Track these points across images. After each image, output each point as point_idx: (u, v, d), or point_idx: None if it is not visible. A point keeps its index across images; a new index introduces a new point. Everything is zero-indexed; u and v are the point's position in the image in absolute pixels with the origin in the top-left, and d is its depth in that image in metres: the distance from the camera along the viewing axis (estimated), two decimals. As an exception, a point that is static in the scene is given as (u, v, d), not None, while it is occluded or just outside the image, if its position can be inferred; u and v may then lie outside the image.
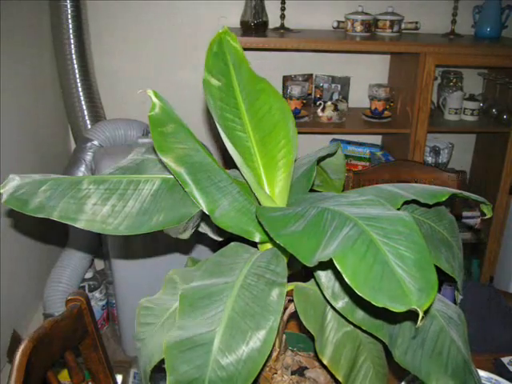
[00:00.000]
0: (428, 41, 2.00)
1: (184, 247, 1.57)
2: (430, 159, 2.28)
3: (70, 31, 1.90)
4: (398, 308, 0.51)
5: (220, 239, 0.86)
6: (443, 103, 2.17)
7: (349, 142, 2.29)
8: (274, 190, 0.80)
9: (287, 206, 0.79)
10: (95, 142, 1.83)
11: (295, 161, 0.80)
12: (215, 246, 0.86)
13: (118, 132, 1.85)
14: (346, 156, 2.25)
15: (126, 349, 1.91)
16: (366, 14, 2.02)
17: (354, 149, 2.28)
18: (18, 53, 1.71)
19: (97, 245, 1.97)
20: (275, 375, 0.82)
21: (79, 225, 0.68)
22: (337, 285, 0.68)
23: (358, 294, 0.52)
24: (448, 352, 0.67)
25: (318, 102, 2.12)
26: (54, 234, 1.98)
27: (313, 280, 0.74)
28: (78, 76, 1.94)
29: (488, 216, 0.80)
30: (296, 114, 2.05)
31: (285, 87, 2.15)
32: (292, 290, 0.75)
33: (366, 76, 2.24)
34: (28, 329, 1.76)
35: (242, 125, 0.77)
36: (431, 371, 0.66)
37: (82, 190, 0.71)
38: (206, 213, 0.71)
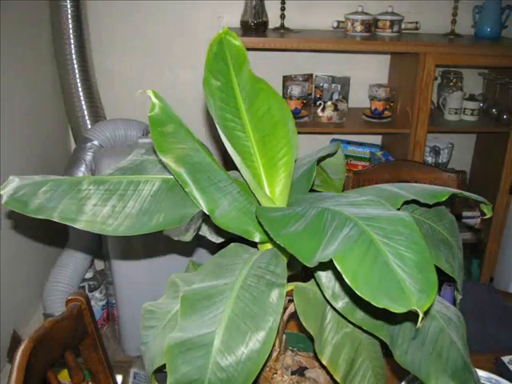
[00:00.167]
0: (428, 41, 2.00)
1: (184, 248, 1.57)
2: (429, 159, 2.28)
3: (70, 31, 1.90)
4: (398, 309, 0.51)
5: (219, 241, 0.86)
6: (443, 103, 2.17)
7: (349, 142, 2.29)
8: (274, 190, 0.80)
9: (287, 206, 0.79)
10: (95, 142, 1.83)
11: (295, 161, 0.80)
12: (214, 248, 0.86)
13: (118, 132, 1.85)
14: (346, 156, 2.25)
15: (126, 349, 1.91)
16: (366, 14, 2.02)
17: (354, 149, 2.28)
18: (18, 53, 1.71)
19: (97, 245, 1.97)
20: (275, 375, 0.82)
21: (79, 226, 0.68)
22: (337, 285, 0.68)
23: (358, 294, 0.52)
24: (448, 352, 0.67)
25: (318, 102, 2.12)
26: (54, 234, 1.98)
27: (313, 280, 0.74)
28: (77, 76, 1.94)
29: (488, 216, 0.80)
30: (296, 114, 2.05)
31: (285, 87, 2.15)
32: (292, 290, 0.75)
33: (366, 76, 2.24)
34: (28, 329, 1.76)
35: (241, 125, 0.77)
36: (431, 371, 0.66)
37: (82, 191, 0.71)
38: (206, 213, 0.71)
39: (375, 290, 0.52)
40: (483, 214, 0.81)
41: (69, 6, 1.88)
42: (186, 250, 1.62)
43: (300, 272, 0.80)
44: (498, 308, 1.28)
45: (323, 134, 2.28)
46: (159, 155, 0.70)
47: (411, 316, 0.54)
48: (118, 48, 2.14)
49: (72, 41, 1.91)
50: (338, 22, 2.09)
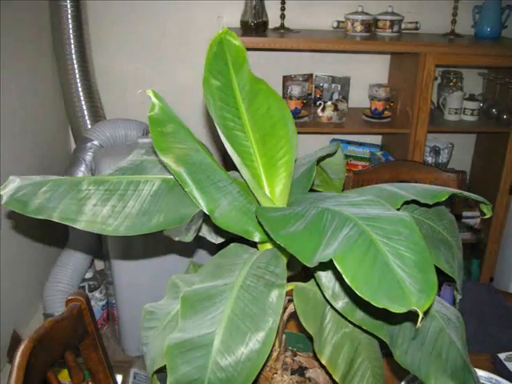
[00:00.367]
0: (428, 41, 2.00)
1: (184, 248, 1.57)
2: (430, 159, 2.28)
3: (70, 31, 1.90)
4: (398, 309, 0.51)
5: (218, 241, 0.86)
6: (443, 103, 2.17)
7: (349, 142, 2.29)
8: (274, 190, 0.80)
9: (287, 206, 0.79)
10: (95, 142, 1.83)
11: (295, 161, 0.80)
12: (214, 248, 0.86)
13: (118, 132, 1.85)
14: (346, 156, 2.25)
15: (126, 349, 1.91)
16: (366, 14, 2.02)
17: (354, 149, 2.28)
18: (18, 53, 1.71)
19: (97, 245, 1.97)
20: (275, 375, 0.82)
21: (79, 226, 0.68)
22: (337, 285, 0.68)
23: (358, 294, 0.52)
24: (447, 352, 0.67)
25: (318, 102, 2.12)
26: (54, 234, 1.99)
27: (312, 280, 0.74)
28: (78, 76, 1.94)
29: (488, 216, 0.80)
30: (296, 113, 2.05)
31: (285, 87, 2.15)
32: (292, 290, 0.75)
33: (365, 76, 2.24)
34: (28, 329, 1.76)
35: (241, 124, 0.77)
36: (431, 371, 0.66)
37: (82, 191, 0.71)
38: (206, 213, 0.71)
39: (375, 290, 0.52)
40: (483, 214, 0.81)
41: (69, 6, 1.88)
42: (185, 250, 1.62)
43: (300, 272, 0.80)
44: (499, 308, 1.28)
45: (323, 133, 2.28)
46: (159, 155, 0.70)
47: (411, 316, 0.54)
48: (118, 48, 2.14)
49: (72, 41, 1.91)
50: (338, 22, 2.09)
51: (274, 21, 2.06)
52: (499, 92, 2.16)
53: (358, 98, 2.26)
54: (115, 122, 1.88)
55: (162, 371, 0.73)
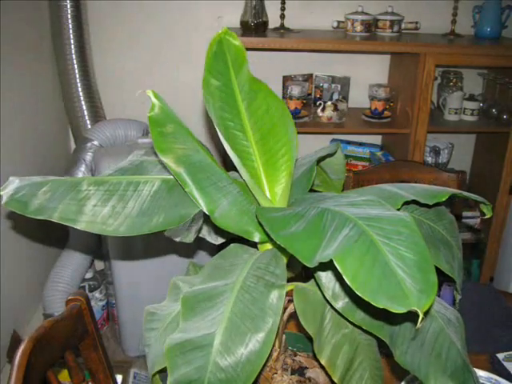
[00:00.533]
0: (428, 41, 2.00)
1: (184, 248, 1.57)
2: (430, 159, 2.28)
3: (70, 31, 1.90)
4: (398, 309, 0.51)
5: (218, 242, 0.86)
6: (443, 103, 2.17)
7: (349, 142, 2.29)
8: (274, 190, 0.80)
9: (287, 206, 0.79)
10: (95, 142, 1.83)
11: (295, 161, 0.80)
12: (214, 248, 0.86)
13: (118, 132, 1.85)
14: (346, 156, 2.25)
15: (126, 349, 1.91)
16: (366, 14, 2.02)
17: (353, 149, 2.28)
18: (18, 53, 1.71)
19: (97, 245, 1.97)
20: (275, 375, 0.82)
21: (79, 226, 0.68)
22: (337, 285, 0.68)
23: (358, 294, 0.52)
24: (447, 353, 0.67)
25: (318, 102, 2.12)
26: (53, 234, 1.98)
27: (312, 280, 0.74)
28: (78, 76, 1.94)
29: (488, 216, 0.80)
30: (296, 113, 2.04)
31: (285, 87, 2.15)
32: (292, 290, 0.75)
33: (365, 76, 2.24)
34: (28, 329, 1.76)
35: (240, 124, 0.77)
36: (430, 371, 0.66)
37: (82, 192, 0.71)
38: (206, 213, 0.71)
39: (375, 291, 0.52)
40: (483, 214, 0.81)
41: (69, 6, 1.88)
42: (185, 250, 1.62)
43: (300, 272, 0.80)
44: (499, 308, 1.27)
45: (323, 134, 2.27)
46: (159, 155, 0.70)
47: (411, 316, 0.54)
48: (118, 48, 2.14)
49: (72, 41, 1.91)
50: (338, 22, 2.09)
51: (273, 21, 2.06)
52: (499, 92, 2.16)
53: (358, 98, 2.26)
54: (115, 122, 1.88)
55: (163, 371, 0.73)
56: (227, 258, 0.74)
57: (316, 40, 1.94)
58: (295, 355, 0.89)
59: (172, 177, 0.74)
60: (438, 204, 0.76)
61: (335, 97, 2.20)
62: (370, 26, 2.02)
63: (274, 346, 0.78)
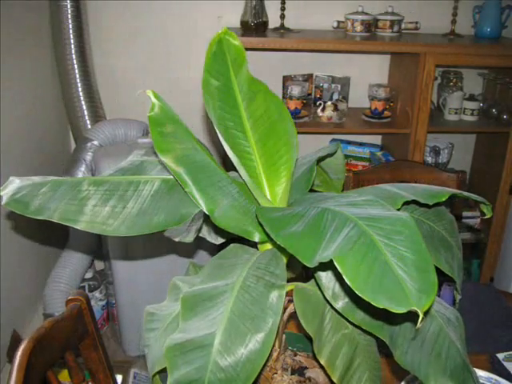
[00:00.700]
0: (428, 41, 2.00)
1: (184, 248, 1.57)
2: (429, 159, 2.28)
3: (70, 31, 1.90)
4: (398, 309, 0.51)
5: (218, 242, 0.86)
6: (443, 103, 2.17)
7: (349, 142, 2.29)
8: (275, 190, 0.80)
9: (287, 206, 0.79)
10: (95, 142, 1.83)
11: (296, 160, 0.80)
12: (214, 248, 0.86)
13: (117, 132, 1.85)
14: (346, 156, 2.25)
15: (126, 349, 1.91)
16: (366, 13, 2.02)
17: (353, 149, 2.28)
18: (18, 53, 1.71)
19: (97, 245, 1.97)
20: (275, 375, 0.82)
21: (79, 226, 0.69)
22: (337, 285, 0.68)
23: (358, 294, 0.52)
24: (447, 353, 0.67)
25: (318, 102, 2.12)
26: (54, 234, 1.98)
27: (312, 280, 0.74)
28: (78, 76, 1.94)
29: (488, 216, 0.81)
30: (296, 114, 2.04)
31: (285, 87, 2.15)
32: (292, 290, 0.75)
33: (365, 76, 2.24)
34: (28, 329, 1.76)
35: (240, 124, 0.77)
36: (430, 372, 0.66)
37: (82, 192, 0.71)
38: (206, 213, 0.71)
39: (375, 291, 0.52)
40: (483, 214, 0.81)
41: (69, 6, 1.87)
42: (185, 250, 1.62)
43: (301, 272, 0.80)
44: (499, 308, 1.27)
45: (323, 134, 2.27)
46: (159, 155, 0.70)
47: (411, 316, 0.54)
48: (118, 48, 2.14)
49: (72, 41, 1.91)
50: (338, 22, 2.09)
51: (273, 21, 2.06)
52: (499, 92, 2.16)
53: (358, 98, 2.26)
54: (115, 121, 1.88)
55: (163, 372, 0.73)
56: (227, 258, 0.74)
57: (316, 40, 1.94)
58: (295, 355, 0.89)
59: (172, 177, 0.74)
60: (437, 204, 0.76)
61: (335, 97, 2.20)
62: (370, 25, 2.02)
63: (274, 345, 0.78)
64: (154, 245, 1.71)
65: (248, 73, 0.74)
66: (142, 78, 2.18)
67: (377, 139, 2.39)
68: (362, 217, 0.60)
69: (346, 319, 0.69)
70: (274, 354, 0.82)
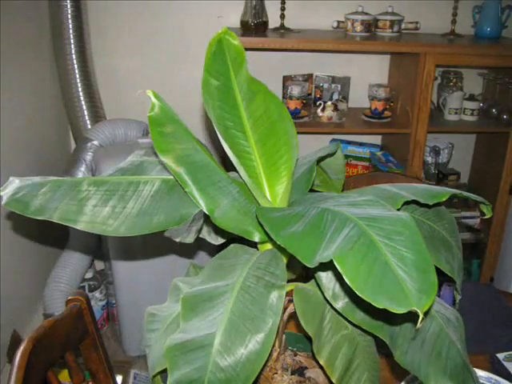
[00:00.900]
0: (428, 41, 2.00)
1: (184, 248, 1.57)
2: (430, 159, 2.28)
3: (70, 31, 1.90)
4: (398, 309, 0.51)
5: (218, 242, 0.86)
6: (443, 103, 2.17)
7: (349, 142, 2.29)
8: (275, 190, 0.80)
9: (287, 206, 0.79)
10: (95, 142, 1.83)
11: (296, 160, 0.80)
12: (214, 248, 0.86)
13: (117, 132, 1.85)
14: (346, 156, 2.25)
15: (126, 349, 1.91)
16: (366, 14, 2.02)
17: (353, 149, 2.28)
18: (18, 53, 1.71)
19: (97, 245, 1.97)
20: (275, 375, 0.82)
21: (79, 226, 0.68)
22: (337, 285, 0.68)
23: (358, 294, 0.52)
24: (447, 353, 0.67)
25: (318, 102, 2.12)
26: (54, 234, 1.98)
27: (313, 281, 0.74)
28: (78, 76, 1.94)
29: (488, 216, 0.80)
30: (296, 113, 2.04)
31: (285, 87, 2.15)
32: (292, 291, 0.75)
33: (365, 76, 2.24)
34: (28, 329, 1.76)
35: (240, 124, 0.77)
36: (430, 372, 0.66)
37: (82, 192, 0.71)
38: (206, 213, 0.71)
39: (375, 291, 0.52)
40: (483, 214, 0.81)
41: (69, 6, 1.87)
42: (185, 250, 1.62)
43: (301, 273, 0.80)
44: (499, 308, 1.27)
45: (323, 134, 2.27)
46: (159, 155, 0.70)
47: (411, 316, 0.54)
48: (118, 48, 2.14)
49: (72, 41, 1.91)
50: (338, 22, 2.09)
51: (274, 21, 2.06)
52: (499, 92, 2.16)
53: (358, 98, 2.26)
54: (115, 122, 1.88)
55: (163, 372, 0.73)
56: (227, 259, 0.74)
57: (316, 40, 1.94)
58: (295, 355, 0.89)
59: (172, 177, 0.74)
60: (438, 204, 0.76)
61: (335, 97, 2.20)
62: (370, 25, 2.02)
63: (274, 346, 0.78)
64: (154, 245, 1.71)
65: (247, 73, 0.74)
66: (142, 77, 2.18)
67: (377, 139, 2.39)
68: (362, 217, 0.60)
69: (346, 319, 0.69)
70: (274, 354, 0.82)
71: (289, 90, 2.07)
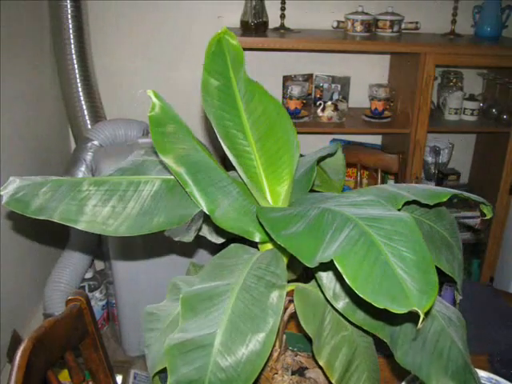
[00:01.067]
0: (428, 41, 2.00)
1: (184, 248, 1.57)
2: (430, 159, 2.28)
3: (70, 31, 1.90)
4: (398, 309, 0.51)
5: (219, 242, 0.86)
6: (443, 103, 2.17)
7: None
8: (276, 189, 0.80)
9: (288, 206, 0.79)
10: (95, 142, 1.83)
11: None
12: (214, 248, 0.86)
13: (118, 132, 1.85)
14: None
15: (126, 349, 1.91)
16: (366, 14, 2.02)
17: (354, 149, 2.28)
18: (18, 53, 1.71)
19: (97, 245, 1.97)
20: (276, 375, 0.82)
21: (80, 226, 0.68)
22: (338, 285, 0.68)
23: (359, 295, 0.52)
24: (448, 353, 0.67)
25: (318, 102, 2.12)
26: (54, 234, 1.98)
27: (313, 281, 0.74)
28: (78, 76, 1.94)
29: (488, 216, 0.80)
30: (296, 114, 2.04)
31: (285, 87, 2.15)
32: (292, 291, 0.75)
33: (365, 76, 2.24)
34: (28, 329, 1.76)
35: (240, 124, 0.77)
36: (431, 372, 0.66)
37: (83, 192, 0.70)
38: (207, 213, 0.71)
39: (376, 291, 0.52)
40: (483, 214, 0.81)
41: (69, 6, 1.87)
42: (186, 250, 1.62)
43: (302, 273, 0.80)
44: (499, 308, 1.27)
45: (323, 134, 2.27)
46: (159, 155, 0.70)
47: (412, 316, 0.54)
48: (118, 48, 2.14)
49: (72, 41, 1.91)
50: (338, 21, 2.09)
51: (274, 21, 2.06)
52: (499, 92, 2.16)
53: (358, 98, 2.26)
54: (115, 121, 1.88)
55: (163, 372, 0.73)
56: (227, 258, 0.74)
57: (316, 40, 1.94)
58: (296, 355, 0.89)
59: (172, 177, 0.74)
60: (438, 204, 0.76)
61: (335, 97, 2.20)
62: (370, 25, 2.02)
63: (274, 346, 0.78)
64: (154, 245, 1.71)
65: (245, 73, 0.73)
66: (142, 77, 2.18)
67: (377, 139, 2.39)
68: (362, 217, 0.60)
69: (347, 319, 0.69)
70: (275, 354, 0.82)
71: (289, 90, 2.07)
